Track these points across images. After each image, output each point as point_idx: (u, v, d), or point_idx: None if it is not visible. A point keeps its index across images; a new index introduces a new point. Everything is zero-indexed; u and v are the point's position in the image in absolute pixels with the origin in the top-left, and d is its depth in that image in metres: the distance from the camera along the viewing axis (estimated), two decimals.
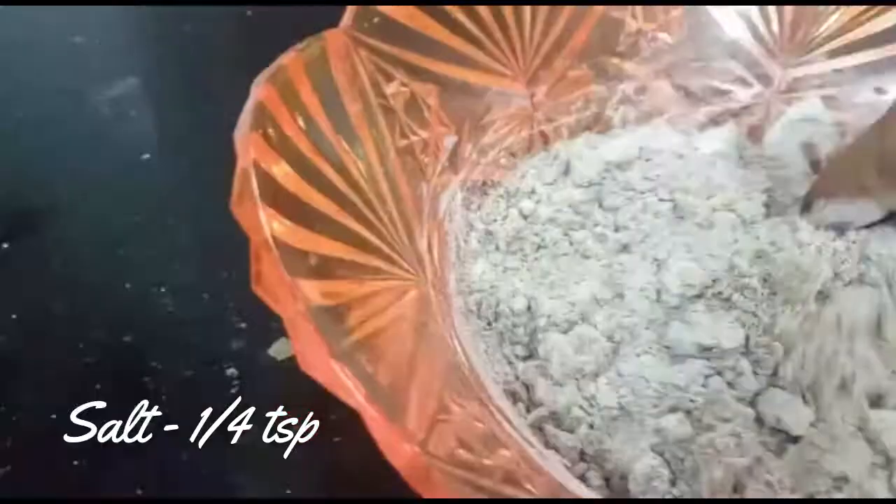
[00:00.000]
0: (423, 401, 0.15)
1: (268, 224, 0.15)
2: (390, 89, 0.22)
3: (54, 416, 0.23)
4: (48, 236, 0.30)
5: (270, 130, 0.17)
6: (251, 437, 0.23)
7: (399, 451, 0.13)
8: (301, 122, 0.18)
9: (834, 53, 0.29)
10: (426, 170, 0.23)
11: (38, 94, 0.36)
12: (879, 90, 0.29)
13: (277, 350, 0.25)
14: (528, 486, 0.15)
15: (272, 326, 0.25)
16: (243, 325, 0.26)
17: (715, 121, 0.29)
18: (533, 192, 0.25)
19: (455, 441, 0.15)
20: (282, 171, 0.17)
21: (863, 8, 0.28)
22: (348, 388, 0.13)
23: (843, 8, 0.28)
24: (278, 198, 0.16)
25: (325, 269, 0.16)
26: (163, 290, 0.27)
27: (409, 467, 0.13)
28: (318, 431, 0.23)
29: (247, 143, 0.16)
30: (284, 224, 0.16)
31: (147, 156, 0.33)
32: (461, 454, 0.14)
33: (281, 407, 0.23)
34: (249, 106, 0.17)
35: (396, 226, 0.20)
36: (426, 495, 0.13)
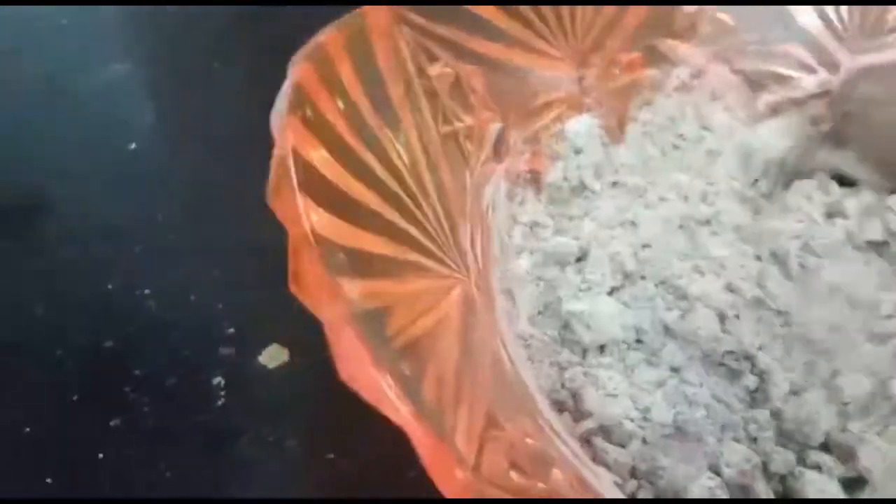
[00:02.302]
0: (472, 416, 0.14)
1: (307, 216, 0.14)
2: (434, 70, 0.20)
3: (28, 430, 0.22)
4: (26, 233, 0.28)
5: (309, 113, 0.16)
6: (238, 451, 0.22)
7: (451, 477, 0.11)
8: (341, 105, 0.17)
9: None
10: (470, 158, 0.21)
11: (19, 78, 0.34)
12: None
13: (268, 357, 0.23)
14: None
15: (264, 332, 0.24)
16: (232, 330, 0.24)
17: (775, 109, 0.27)
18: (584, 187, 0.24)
19: (507, 462, 0.13)
20: (320, 157, 0.15)
21: None
22: (393, 404, 0.12)
23: None
24: (317, 187, 0.15)
25: (364, 265, 0.15)
26: (147, 291, 0.25)
27: (462, 494, 0.11)
28: (310, 446, 0.21)
29: (285, 127, 0.14)
30: (323, 216, 0.14)
31: (133, 146, 0.31)
32: (514, 477, 0.13)
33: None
34: (287, 87, 0.15)
35: (440, 219, 0.19)
36: None
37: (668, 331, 0.20)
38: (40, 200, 0.29)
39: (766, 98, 0.27)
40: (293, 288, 0.13)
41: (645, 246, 0.22)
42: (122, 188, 0.29)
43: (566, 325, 0.21)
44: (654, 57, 0.26)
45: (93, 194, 0.29)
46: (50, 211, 0.29)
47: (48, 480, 0.21)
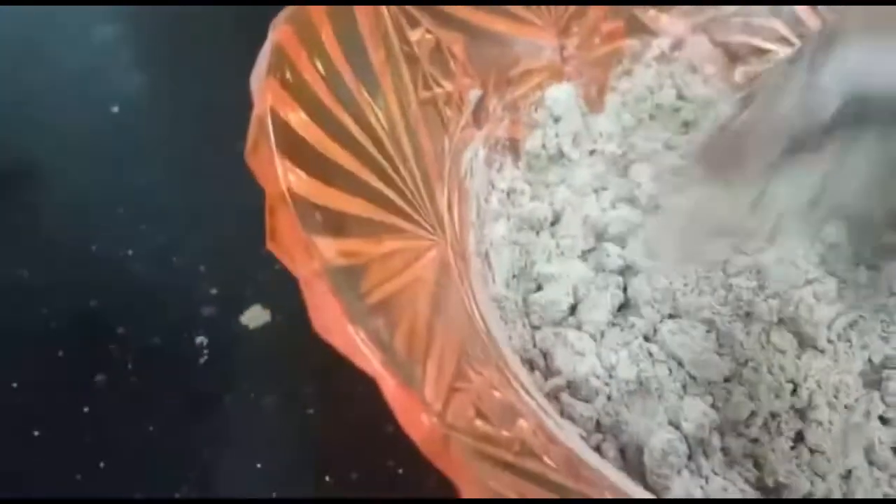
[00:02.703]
0: (441, 368, 0.15)
1: (284, 176, 0.14)
2: (415, 35, 0.21)
3: (15, 385, 0.23)
4: (11, 197, 0.28)
5: (288, 75, 0.16)
6: (220, 407, 0.22)
7: (417, 422, 0.12)
8: (321, 68, 0.17)
9: None
10: (448, 124, 0.22)
11: (1, 41, 0.33)
12: None
13: (250, 318, 0.24)
14: (546, 459, 0.15)
15: (245, 293, 0.24)
16: (214, 290, 0.25)
17: (753, 82, 0.28)
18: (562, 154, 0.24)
19: (473, 411, 0.14)
20: (299, 119, 0.16)
21: None
22: (365, 354, 0.13)
23: None
24: (294, 148, 0.15)
25: (341, 226, 0.16)
26: (130, 253, 0.26)
27: (428, 439, 0.12)
28: (290, 404, 0.22)
29: (264, 88, 0.15)
30: (300, 176, 0.15)
31: (116, 109, 0.30)
32: (479, 425, 0.14)
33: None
34: (266, 47, 0.16)
35: (417, 182, 0.19)
36: (442, 467, 0.12)
37: (636, 294, 0.21)
38: (24, 163, 0.29)
39: (744, 70, 0.27)
40: (270, 245, 0.14)
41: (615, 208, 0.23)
42: (105, 151, 0.29)
43: (539, 287, 0.21)
44: (635, 27, 0.26)
45: (76, 157, 0.29)
46: (34, 174, 0.29)
47: (35, 433, 0.22)
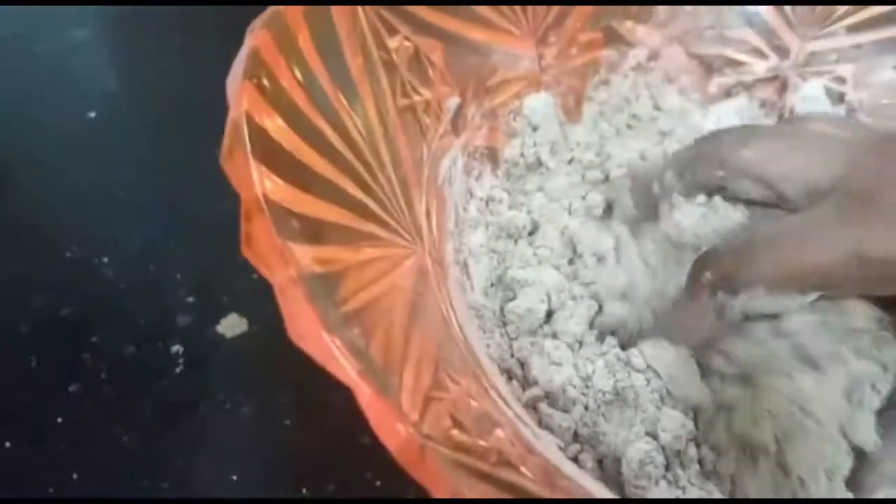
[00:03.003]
0: (418, 377, 0.15)
1: (260, 182, 0.14)
2: (393, 43, 0.21)
3: None
4: None
5: (265, 81, 0.16)
6: (195, 417, 0.22)
7: (393, 431, 0.12)
8: (298, 74, 0.17)
9: (854, 28, 0.28)
10: (427, 132, 0.22)
11: None
12: None
13: (227, 326, 0.24)
14: (523, 469, 0.15)
15: (222, 301, 0.24)
16: (191, 299, 0.24)
17: (727, 92, 0.28)
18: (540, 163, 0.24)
19: (449, 420, 0.14)
20: (275, 125, 0.16)
21: None
22: (340, 363, 0.12)
23: None
24: (270, 154, 0.15)
25: (318, 233, 0.15)
26: (105, 259, 0.25)
27: (404, 449, 0.12)
28: (266, 414, 0.22)
29: (240, 93, 0.15)
30: (277, 183, 0.15)
31: (93, 114, 0.30)
32: (456, 435, 0.14)
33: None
34: (243, 52, 0.15)
35: (395, 190, 0.19)
36: (418, 477, 0.12)
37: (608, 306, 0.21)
38: None
39: (719, 81, 0.28)
40: (245, 251, 0.13)
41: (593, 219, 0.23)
42: (82, 157, 0.29)
43: (513, 297, 0.21)
44: (612, 38, 0.26)
45: (52, 163, 0.29)
46: (8, 179, 0.28)
47: (7, 444, 0.21)
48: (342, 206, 0.17)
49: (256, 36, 0.16)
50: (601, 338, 0.21)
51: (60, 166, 0.29)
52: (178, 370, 0.23)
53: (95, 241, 0.26)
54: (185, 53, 0.33)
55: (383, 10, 0.20)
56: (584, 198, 0.24)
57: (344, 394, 0.12)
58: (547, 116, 0.25)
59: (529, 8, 0.24)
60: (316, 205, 0.16)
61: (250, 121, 0.14)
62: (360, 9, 0.20)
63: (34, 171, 0.28)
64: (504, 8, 0.24)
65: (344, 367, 0.12)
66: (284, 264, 0.13)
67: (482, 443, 0.14)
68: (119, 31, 0.35)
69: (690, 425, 0.19)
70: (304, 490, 0.21)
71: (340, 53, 0.19)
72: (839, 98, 0.28)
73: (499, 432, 0.15)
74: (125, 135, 0.30)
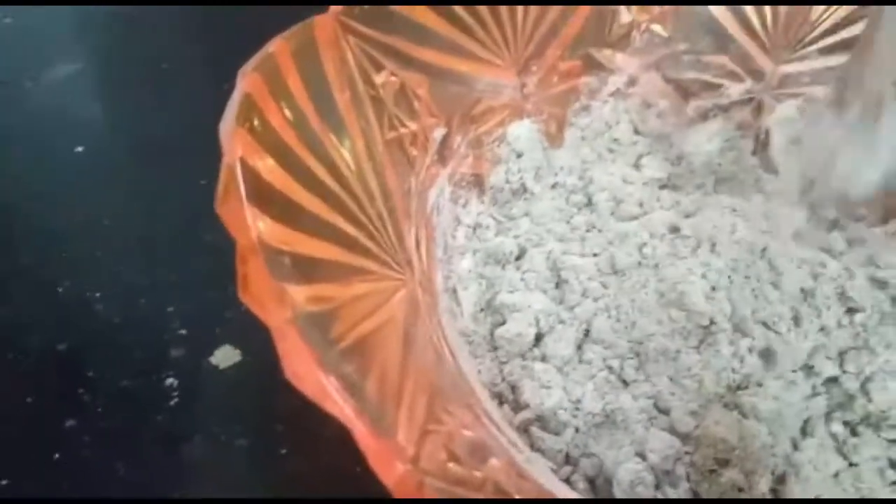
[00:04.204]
0: (413, 410, 0.15)
1: (254, 225, 0.14)
2: (380, 79, 0.21)
3: None
4: None
5: (256, 123, 0.16)
6: (191, 449, 0.22)
7: (390, 468, 0.12)
8: (288, 114, 0.17)
9: (826, 50, 0.29)
10: (415, 163, 0.22)
11: None
12: None
13: (220, 358, 0.24)
14: (517, 497, 0.15)
15: (215, 333, 0.24)
16: (184, 331, 0.25)
17: (704, 115, 0.29)
18: (525, 189, 0.25)
19: (445, 453, 0.14)
20: (267, 166, 0.16)
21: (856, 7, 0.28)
22: (337, 403, 0.13)
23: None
24: (263, 195, 0.15)
25: (311, 271, 0.16)
26: (98, 294, 0.26)
27: (402, 486, 0.12)
28: (263, 444, 0.22)
29: (233, 138, 0.15)
30: (270, 224, 0.15)
31: (81, 149, 0.30)
32: (451, 468, 0.14)
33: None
34: (236, 97, 0.16)
35: (385, 222, 0.19)
36: None
37: (596, 329, 0.21)
38: None
39: (696, 104, 0.29)
40: (242, 296, 0.14)
41: (581, 242, 0.24)
42: (71, 192, 0.29)
43: (503, 321, 0.22)
44: (591, 65, 0.27)
45: (41, 198, 0.29)
46: None
47: (4, 482, 0.21)
48: (333, 242, 0.17)
49: (248, 80, 0.16)
50: (590, 360, 0.21)
51: (49, 203, 0.29)
52: (172, 402, 0.23)
53: (87, 275, 0.26)
54: (172, 86, 0.34)
55: (368, 47, 0.21)
56: (569, 221, 0.25)
57: (337, 424, 0.13)
58: (530, 143, 0.26)
59: (511, 39, 0.25)
60: (307, 242, 0.16)
61: (244, 165, 0.15)
62: (346, 47, 0.20)
63: (23, 209, 0.28)
64: (487, 40, 0.24)
65: (341, 407, 0.13)
66: (280, 306, 0.13)
67: (477, 473, 0.15)
68: (106, 66, 0.35)
69: (678, 445, 0.19)
70: None
71: (329, 92, 0.19)
72: None
73: (493, 461, 0.16)
74: (112, 170, 0.30)
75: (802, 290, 0.22)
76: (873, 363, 0.21)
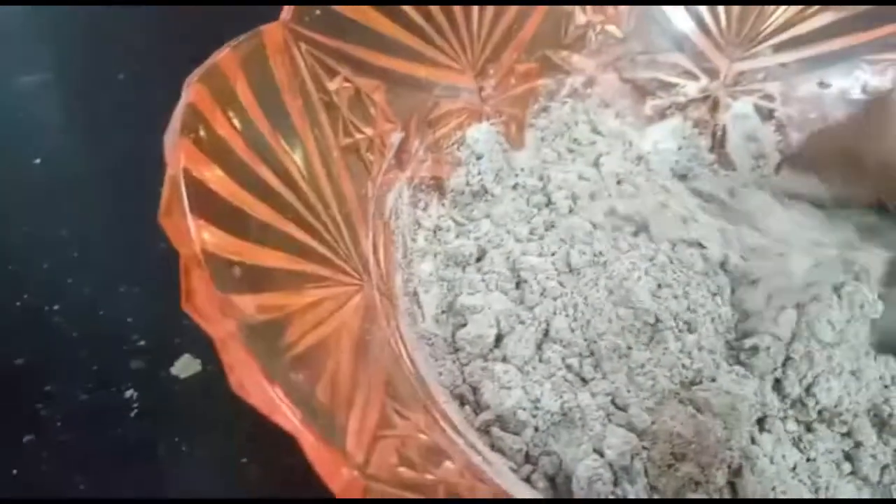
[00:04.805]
0: (365, 416, 0.15)
1: (198, 236, 0.14)
2: (333, 85, 0.21)
3: None
4: None
5: (202, 133, 0.16)
6: (153, 460, 0.22)
7: (336, 475, 0.12)
8: (237, 123, 0.17)
9: (779, 47, 0.29)
10: (371, 168, 0.22)
11: None
12: (822, 84, 0.29)
13: (180, 368, 0.24)
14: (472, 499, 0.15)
15: (174, 343, 0.24)
16: (143, 342, 0.24)
17: (662, 114, 0.30)
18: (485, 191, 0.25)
19: (396, 458, 0.14)
20: (214, 176, 0.16)
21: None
22: (283, 413, 0.13)
23: None
24: (210, 206, 0.15)
25: (261, 280, 0.16)
26: (56, 307, 0.25)
27: (347, 491, 0.12)
28: (224, 454, 0.22)
29: (176, 149, 0.15)
30: (216, 234, 0.15)
31: (38, 160, 0.30)
32: (402, 472, 0.14)
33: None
34: (179, 108, 0.16)
35: (340, 228, 0.19)
36: None
37: (555, 328, 0.22)
38: None
39: (653, 103, 0.29)
40: (185, 306, 0.14)
41: (540, 242, 0.24)
42: (28, 204, 0.29)
43: (464, 323, 0.22)
44: (548, 67, 0.27)
45: None
46: None
47: None
48: (285, 250, 0.17)
49: (192, 90, 0.16)
50: (549, 359, 0.21)
51: (6, 216, 0.28)
52: (133, 414, 0.23)
53: (44, 288, 0.26)
54: (130, 96, 0.33)
55: (321, 54, 0.21)
56: (529, 222, 0.25)
57: None
58: (490, 145, 0.26)
59: (468, 42, 0.25)
60: (257, 251, 0.16)
61: (188, 175, 0.15)
62: (297, 54, 0.20)
63: None
64: (443, 43, 0.24)
65: (287, 417, 0.13)
66: (223, 317, 0.13)
67: (430, 476, 0.15)
68: (66, 77, 0.35)
69: (635, 441, 0.20)
70: None
71: (279, 99, 0.19)
72: (769, 114, 0.30)
73: (448, 464, 0.16)
74: (70, 182, 0.30)
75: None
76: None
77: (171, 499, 0.21)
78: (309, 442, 0.13)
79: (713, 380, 0.20)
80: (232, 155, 0.17)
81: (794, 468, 0.20)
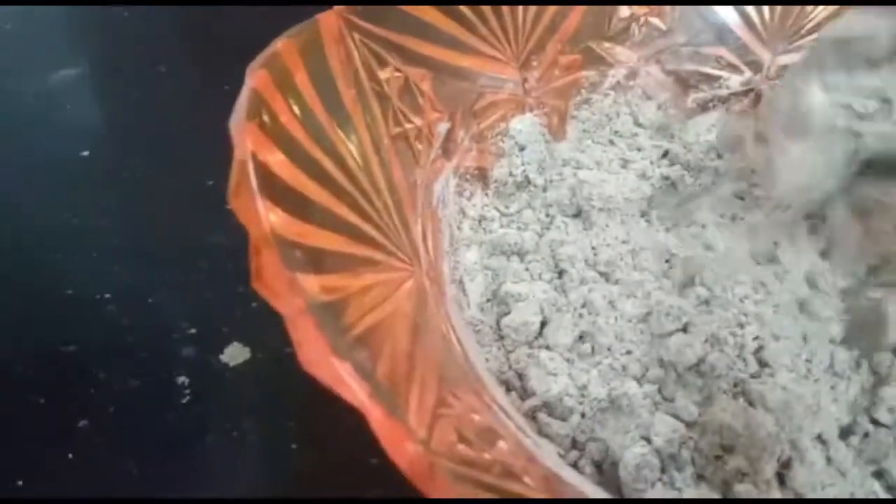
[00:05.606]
0: (423, 395, 0.15)
1: (266, 217, 0.15)
2: (384, 75, 0.21)
3: None
4: None
5: (266, 118, 0.17)
6: (203, 447, 0.22)
7: (403, 450, 0.13)
8: (296, 110, 0.18)
9: None
10: (420, 157, 0.22)
11: None
12: None
13: (230, 355, 0.24)
14: (526, 479, 0.16)
15: (224, 331, 0.24)
16: (193, 330, 0.25)
17: (704, 106, 0.29)
18: (528, 181, 0.25)
19: (455, 435, 0.15)
20: (277, 160, 0.16)
21: None
22: (350, 387, 0.13)
23: None
24: (274, 189, 0.16)
25: (322, 262, 0.16)
26: (107, 295, 0.26)
27: (414, 466, 0.13)
28: (274, 440, 0.22)
29: (244, 133, 0.15)
30: (281, 216, 0.15)
31: (86, 153, 0.31)
32: (461, 450, 0.14)
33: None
34: (245, 94, 0.16)
35: (392, 215, 0.20)
36: (428, 493, 0.13)
37: (601, 316, 0.22)
38: None
39: (695, 96, 0.29)
40: (255, 284, 0.14)
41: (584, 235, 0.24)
42: (78, 194, 0.29)
43: (508, 311, 0.22)
44: (591, 59, 0.28)
45: (48, 201, 0.29)
46: (6, 218, 0.29)
47: (19, 483, 0.22)
48: (342, 234, 0.18)
49: (256, 76, 0.17)
50: (592, 349, 0.21)
51: (56, 206, 0.29)
52: (184, 401, 0.23)
53: (95, 277, 0.26)
54: (172, 89, 0.34)
55: (372, 43, 0.21)
56: (568, 213, 0.25)
57: (349, 415, 0.13)
58: (533, 136, 0.26)
59: (512, 34, 0.25)
60: (317, 234, 0.17)
61: (255, 159, 0.15)
62: (351, 43, 0.21)
63: (31, 212, 0.29)
64: (489, 35, 0.25)
65: (354, 391, 0.13)
66: (293, 295, 0.14)
67: (486, 456, 0.15)
68: (106, 70, 0.36)
69: (683, 430, 0.20)
70: None
71: (335, 87, 0.20)
72: None
73: (501, 444, 0.16)
74: (117, 173, 0.30)
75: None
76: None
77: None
78: (376, 417, 0.13)
79: (772, 375, 0.20)
80: (293, 140, 0.17)
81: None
